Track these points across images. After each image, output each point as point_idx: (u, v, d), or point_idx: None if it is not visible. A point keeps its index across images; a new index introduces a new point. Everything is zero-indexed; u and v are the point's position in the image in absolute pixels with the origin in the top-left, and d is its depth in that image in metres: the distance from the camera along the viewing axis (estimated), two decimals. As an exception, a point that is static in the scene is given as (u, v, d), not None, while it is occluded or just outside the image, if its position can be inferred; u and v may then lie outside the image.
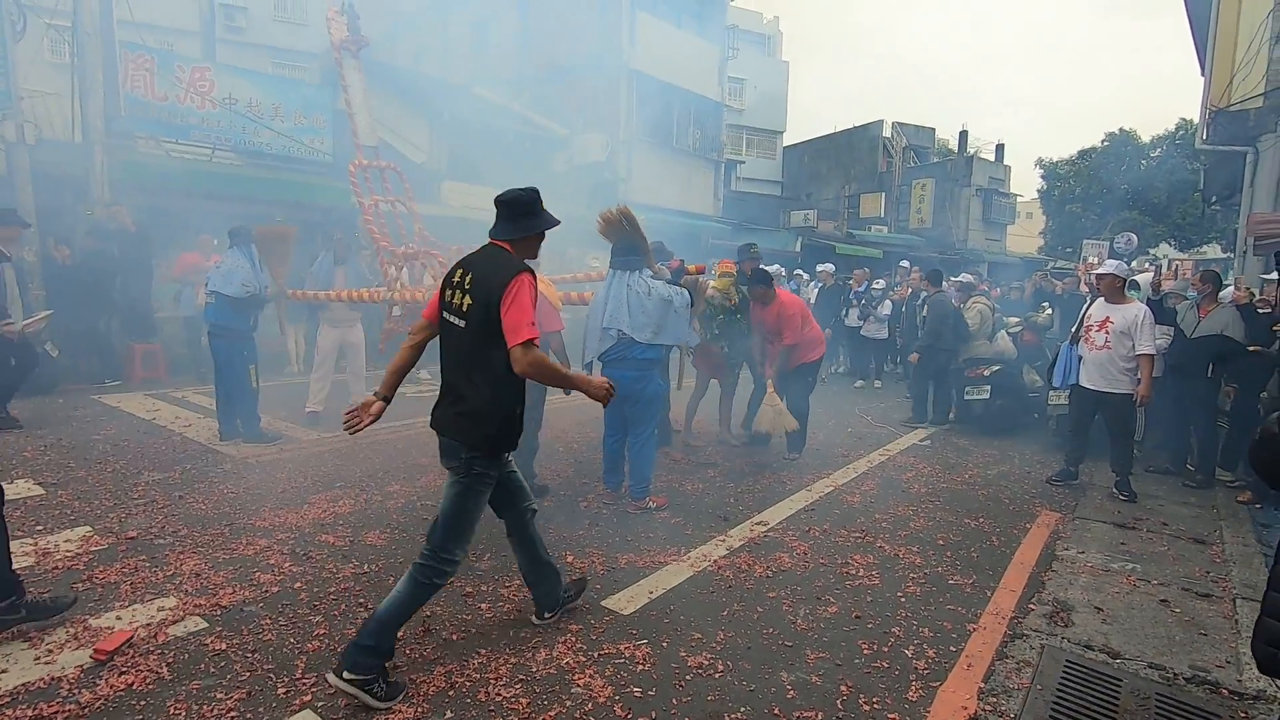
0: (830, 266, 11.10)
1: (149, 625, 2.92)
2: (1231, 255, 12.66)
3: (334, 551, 3.76)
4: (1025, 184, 33.12)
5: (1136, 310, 5.16)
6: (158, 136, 10.23)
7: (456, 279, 2.68)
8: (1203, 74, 11.18)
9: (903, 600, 3.49)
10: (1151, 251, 27.96)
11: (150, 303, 8.63)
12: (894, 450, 6.55)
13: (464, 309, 2.60)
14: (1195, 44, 12.35)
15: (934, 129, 30.75)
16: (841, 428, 7.41)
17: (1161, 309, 6.17)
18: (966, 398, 7.42)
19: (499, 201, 2.73)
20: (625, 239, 4.49)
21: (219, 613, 3.06)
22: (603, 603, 3.31)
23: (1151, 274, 7.16)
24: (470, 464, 2.61)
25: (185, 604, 3.12)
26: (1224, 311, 5.75)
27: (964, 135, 28.10)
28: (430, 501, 4.59)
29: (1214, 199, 14.65)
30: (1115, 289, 5.34)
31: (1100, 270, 5.59)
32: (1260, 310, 5.96)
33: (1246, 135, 9.07)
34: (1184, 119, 27.39)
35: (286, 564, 3.58)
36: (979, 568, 3.94)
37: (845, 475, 5.64)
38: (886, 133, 27.30)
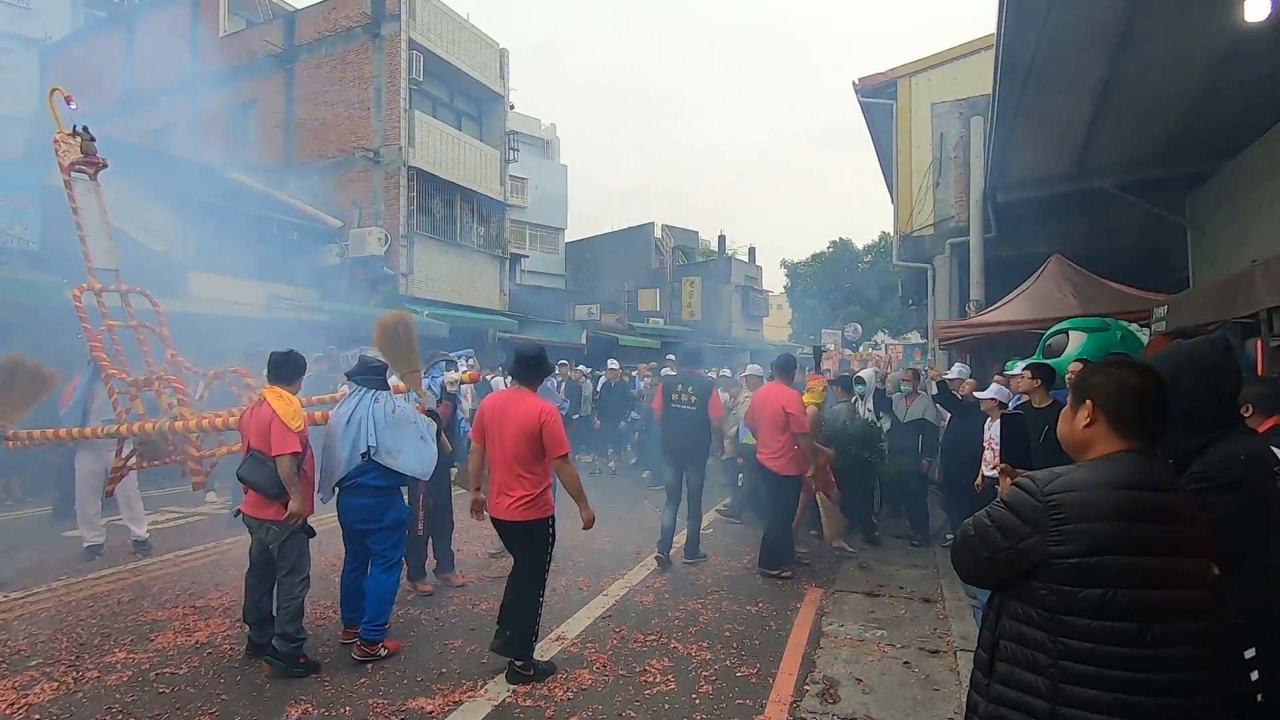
0: (614, 363, 11.68)
1: None
2: (927, 340, 15.73)
3: (26, 760, 2.96)
4: (775, 281, 38.44)
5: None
6: None
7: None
8: (893, 203, 14.07)
9: (697, 702, 3.63)
10: (873, 339, 33.47)
11: None
12: (681, 541, 6.89)
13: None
14: (885, 180, 15.54)
15: (697, 232, 34.52)
16: (633, 523, 7.66)
17: (882, 398, 7.48)
18: (740, 484, 8.11)
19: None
20: (370, 358, 4.38)
21: None
22: (390, 765, 2.99)
23: (873, 370, 8.61)
24: None
25: None
26: (923, 400, 7.08)
27: (723, 239, 31.91)
28: (169, 669, 3.85)
29: (910, 301, 18.12)
30: (751, 383, 7.39)
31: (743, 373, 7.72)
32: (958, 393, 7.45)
33: (926, 255, 11.53)
34: (884, 233, 33.84)
35: (-51, 792, 2.75)
36: (761, 654, 4.24)
37: (639, 574, 5.80)
38: (658, 233, 30.04)
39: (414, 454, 4.19)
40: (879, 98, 12.68)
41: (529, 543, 3.90)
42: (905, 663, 4.16)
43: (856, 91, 12.87)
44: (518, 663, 3.81)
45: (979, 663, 1.69)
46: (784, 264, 37.82)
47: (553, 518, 3.91)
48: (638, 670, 3.97)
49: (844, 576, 5.87)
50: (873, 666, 4.11)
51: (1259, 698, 1.76)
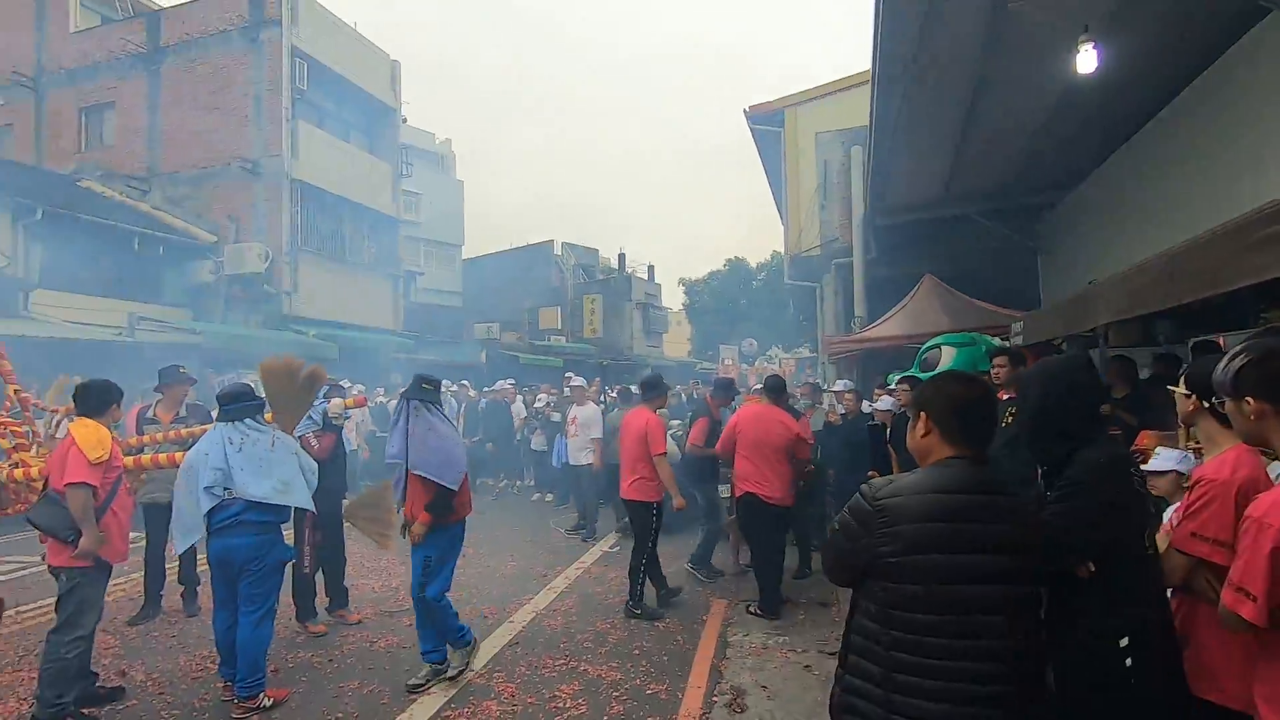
0: (505, 383, 11.42)
1: None
2: (817, 354, 16.59)
3: None
4: (674, 298, 39.36)
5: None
6: None
7: None
8: (783, 224, 14.78)
9: (609, 724, 3.61)
10: (768, 353, 34.84)
11: None
12: (588, 562, 6.86)
13: None
14: (776, 202, 16.32)
15: (598, 250, 34.69)
16: (538, 546, 7.54)
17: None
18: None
19: None
20: (239, 386, 4.03)
21: None
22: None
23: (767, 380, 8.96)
24: None
25: None
26: (820, 414, 7.44)
27: (623, 257, 32.26)
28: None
29: (801, 316, 19.05)
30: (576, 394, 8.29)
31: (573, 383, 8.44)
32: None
33: (814, 274, 12.19)
34: (776, 252, 35.40)
35: None
36: (670, 671, 4.28)
37: (546, 598, 5.71)
38: (558, 251, 29.98)
39: (302, 487, 3.94)
40: (768, 125, 13.34)
41: None
42: (806, 666, 4.33)
43: (747, 118, 13.48)
44: None
45: (840, 655, 1.83)
46: (682, 282, 38.81)
47: None
48: (547, 696, 3.90)
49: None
50: (776, 673, 4.25)
51: (1132, 681, 1.88)
